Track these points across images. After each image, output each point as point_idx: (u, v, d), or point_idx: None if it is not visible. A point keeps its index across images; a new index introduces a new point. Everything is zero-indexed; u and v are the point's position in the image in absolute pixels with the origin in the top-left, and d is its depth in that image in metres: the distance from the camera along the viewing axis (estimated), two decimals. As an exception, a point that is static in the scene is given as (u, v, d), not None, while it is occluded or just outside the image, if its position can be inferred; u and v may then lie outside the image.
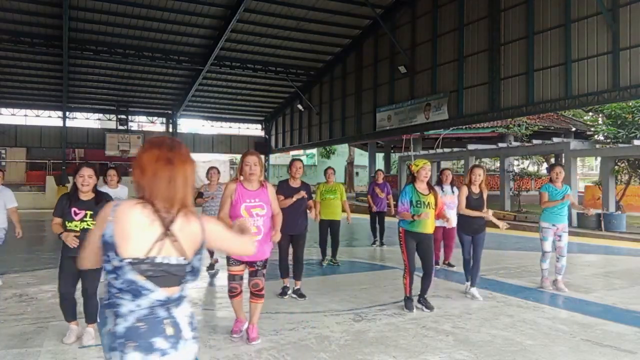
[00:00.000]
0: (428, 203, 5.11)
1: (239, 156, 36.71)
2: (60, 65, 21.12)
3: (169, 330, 1.68)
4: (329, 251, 8.19)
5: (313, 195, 6.36)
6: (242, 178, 4.21)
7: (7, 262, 7.53)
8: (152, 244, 1.67)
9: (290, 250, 6.02)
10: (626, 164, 16.73)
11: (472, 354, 3.92)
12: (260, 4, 18.36)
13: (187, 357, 1.72)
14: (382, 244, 10.36)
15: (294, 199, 5.69)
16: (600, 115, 20.21)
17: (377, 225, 10.33)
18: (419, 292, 5.31)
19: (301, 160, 6.08)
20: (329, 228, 8.03)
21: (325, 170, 8.26)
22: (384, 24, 18.92)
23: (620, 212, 14.12)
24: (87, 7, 17.79)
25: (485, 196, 5.94)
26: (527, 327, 4.66)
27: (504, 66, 15.17)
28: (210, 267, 7.44)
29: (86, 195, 4.11)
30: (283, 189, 5.80)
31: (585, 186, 22.86)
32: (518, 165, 21.64)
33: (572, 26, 13.27)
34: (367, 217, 10.68)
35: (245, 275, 4.35)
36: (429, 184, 5.27)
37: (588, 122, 25.12)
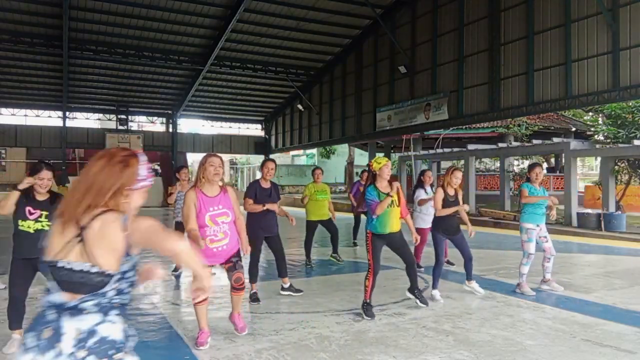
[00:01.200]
0: (391, 202, 5.01)
1: (239, 156, 36.60)
2: (60, 65, 21.12)
3: (46, 334, 1.61)
4: (325, 250, 8.21)
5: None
6: (203, 181, 4.07)
7: (5, 262, 7.52)
8: (61, 247, 1.64)
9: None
10: (626, 164, 16.71)
11: (472, 354, 3.92)
12: (260, 4, 18.35)
13: None
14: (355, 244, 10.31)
15: (265, 207, 5.51)
16: (600, 115, 20.18)
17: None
18: (409, 286, 5.34)
19: (274, 161, 5.89)
20: (326, 228, 8.05)
21: (314, 171, 8.24)
22: (384, 24, 18.92)
23: (620, 212, 14.11)
24: (87, 7, 17.78)
25: (460, 197, 5.88)
26: (527, 327, 4.65)
27: (504, 66, 15.17)
28: (175, 269, 7.32)
29: (42, 195, 3.99)
30: (254, 189, 5.65)
31: (585, 186, 22.85)
32: (518, 165, 21.63)
33: (572, 26, 13.26)
34: (363, 217, 10.57)
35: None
36: (389, 180, 5.11)
37: (588, 122, 25.08)
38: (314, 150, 40.27)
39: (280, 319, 4.87)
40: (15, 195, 3.91)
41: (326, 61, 23.83)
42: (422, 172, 7.80)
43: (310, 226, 7.98)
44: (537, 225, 6.07)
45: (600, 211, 14.02)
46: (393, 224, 5.01)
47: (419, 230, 7.43)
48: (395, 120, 19.58)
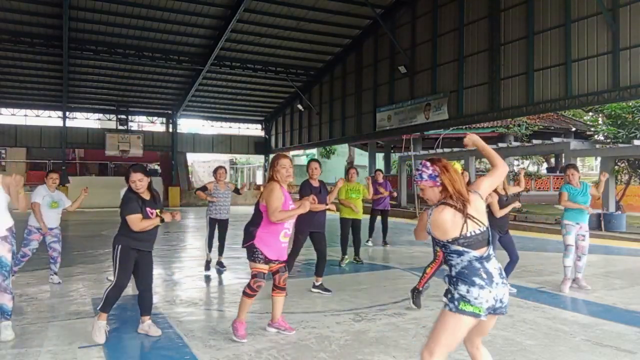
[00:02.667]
0: None
1: (239, 156, 36.43)
2: (60, 65, 21.12)
3: (484, 275, 2.52)
4: (349, 250, 8.26)
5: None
6: (277, 178, 4.31)
7: (7, 262, 7.52)
8: (460, 226, 2.53)
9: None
10: (626, 164, 16.71)
11: (472, 354, 3.91)
12: (260, 4, 18.35)
13: (497, 293, 2.52)
14: (385, 243, 10.37)
15: (322, 208, 5.76)
16: (600, 115, 20.18)
17: (381, 225, 10.41)
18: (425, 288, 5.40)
19: (317, 161, 6.15)
20: (354, 227, 8.27)
21: (348, 170, 8.55)
22: (384, 24, 18.92)
23: (620, 212, 14.11)
24: (87, 7, 17.78)
25: (510, 193, 6.14)
26: (527, 327, 4.65)
27: (504, 66, 15.16)
28: (221, 264, 7.55)
29: (146, 195, 4.29)
30: (308, 188, 5.89)
31: (585, 186, 22.81)
32: (518, 165, 21.62)
33: (572, 26, 13.26)
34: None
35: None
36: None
37: (588, 122, 25.09)
38: (314, 150, 40.29)
39: (280, 319, 4.86)
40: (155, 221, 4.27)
41: (326, 61, 23.83)
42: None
43: (345, 224, 8.20)
44: (577, 223, 6.26)
45: (600, 211, 14.02)
46: None
47: None
48: (395, 120, 19.57)
